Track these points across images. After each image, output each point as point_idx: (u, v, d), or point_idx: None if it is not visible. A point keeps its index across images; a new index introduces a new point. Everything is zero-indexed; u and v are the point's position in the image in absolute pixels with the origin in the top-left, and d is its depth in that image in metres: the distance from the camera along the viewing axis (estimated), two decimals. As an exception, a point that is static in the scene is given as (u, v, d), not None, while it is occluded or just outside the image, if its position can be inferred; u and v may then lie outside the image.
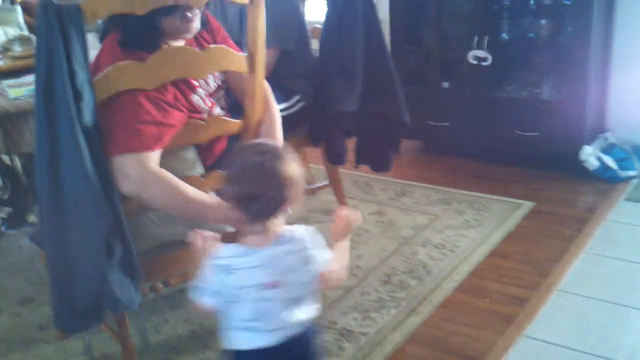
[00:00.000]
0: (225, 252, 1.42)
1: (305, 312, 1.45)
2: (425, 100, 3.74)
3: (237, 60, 1.82)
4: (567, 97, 3.35)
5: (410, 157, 3.85)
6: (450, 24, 3.70)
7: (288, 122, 2.32)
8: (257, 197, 1.37)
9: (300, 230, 1.45)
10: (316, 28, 3.04)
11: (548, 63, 3.41)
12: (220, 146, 2.12)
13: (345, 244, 1.52)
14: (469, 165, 3.64)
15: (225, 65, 1.82)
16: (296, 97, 2.75)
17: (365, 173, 3.28)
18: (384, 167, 3.06)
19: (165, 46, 1.76)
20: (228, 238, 1.59)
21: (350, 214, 1.54)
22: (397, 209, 3.20)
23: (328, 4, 2.70)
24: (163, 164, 1.84)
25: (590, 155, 3.31)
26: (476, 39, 3.42)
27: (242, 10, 2.67)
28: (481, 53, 3.42)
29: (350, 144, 2.94)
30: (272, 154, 1.40)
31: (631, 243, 2.76)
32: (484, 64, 3.44)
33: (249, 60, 1.84)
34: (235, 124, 1.91)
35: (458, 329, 2.26)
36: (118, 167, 1.64)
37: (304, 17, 2.82)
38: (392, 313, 2.35)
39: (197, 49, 1.74)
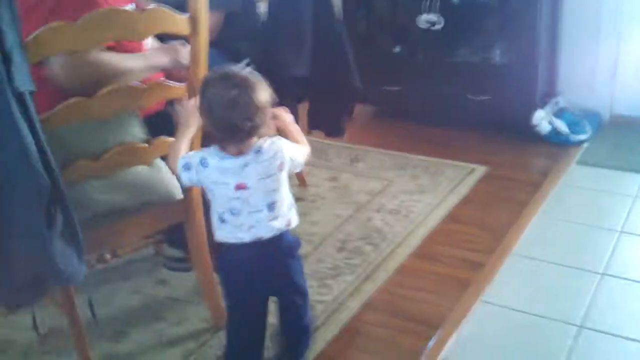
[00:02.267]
0: (209, 149, 1.60)
1: (280, 221, 1.63)
2: (378, 65, 3.68)
3: (178, 22, 1.72)
4: (518, 61, 3.34)
5: (363, 121, 3.79)
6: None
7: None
8: (232, 127, 1.51)
9: (270, 142, 1.60)
10: (265, -10, 2.94)
11: (499, 27, 3.40)
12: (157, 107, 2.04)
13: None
14: (423, 130, 3.61)
15: (165, 27, 1.72)
16: (245, 61, 2.65)
17: (318, 139, 3.21)
18: (337, 132, 3.02)
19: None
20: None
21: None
22: (351, 174, 3.15)
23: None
24: (105, 132, 1.75)
25: (542, 120, 3.32)
26: (427, 2, 3.37)
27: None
28: (432, 17, 3.38)
29: (303, 109, 2.88)
30: (243, 85, 1.51)
31: (582, 206, 2.78)
32: (435, 28, 3.39)
33: (191, 22, 1.74)
34: (178, 89, 1.81)
35: (414, 294, 2.24)
36: None
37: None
38: (348, 280, 2.31)
39: (133, 10, 1.63)
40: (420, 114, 3.66)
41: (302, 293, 1.74)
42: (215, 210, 1.64)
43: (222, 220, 1.63)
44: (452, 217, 2.73)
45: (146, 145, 1.80)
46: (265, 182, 1.59)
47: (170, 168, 1.73)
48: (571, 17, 3.48)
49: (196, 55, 1.80)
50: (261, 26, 2.69)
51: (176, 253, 2.26)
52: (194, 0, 1.73)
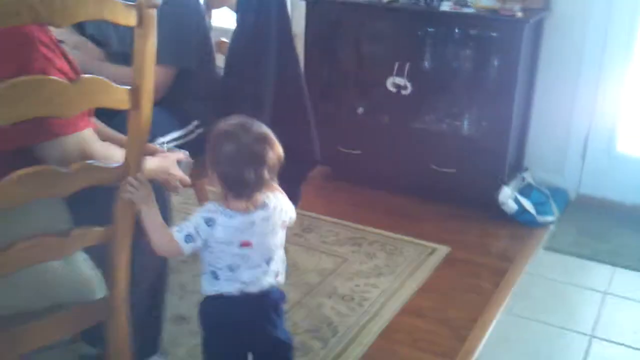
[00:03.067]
0: (211, 207, 1.55)
1: (272, 276, 1.64)
2: (337, 123, 3.45)
3: (117, 95, 1.43)
4: (488, 133, 3.15)
5: (318, 184, 3.53)
6: (370, 45, 3.41)
7: (186, 150, 1.98)
8: (247, 181, 1.50)
9: (273, 198, 1.62)
10: (223, 42, 2.67)
11: (470, 96, 3.20)
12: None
13: None
14: (382, 198, 3.37)
15: (102, 101, 1.42)
16: (194, 123, 2.37)
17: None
18: (291, 200, 2.74)
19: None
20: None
21: None
22: (301, 247, 2.87)
23: (237, 19, 2.34)
24: (11, 218, 1.44)
25: (508, 198, 3.11)
26: (397, 65, 3.15)
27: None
28: (401, 80, 3.16)
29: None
30: (265, 139, 1.53)
31: (549, 302, 2.56)
32: (403, 92, 3.18)
33: (133, 94, 1.45)
34: (111, 171, 1.51)
35: (366, 408, 1.97)
36: None
37: (208, 31, 2.44)
38: (291, 386, 2.02)
39: (63, 80, 1.33)
40: (380, 180, 3.42)
41: (287, 346, 1.72)
42: (210, 266, 1.60)
43: (216, 277, 1.59)
44: (411, 309, 2.47)
45: (63, 238, 1.49)
46: (269, 238, 1.60)
47: (158, 249, 1.58)
48: (543, 89, 3.31)
49: (136, 133, 1.51)
50: (217, 84, 2.42)
51: (91, 351, 1.93)
52: (139, 68, 1.44)
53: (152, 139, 2.14)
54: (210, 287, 1.62)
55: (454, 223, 3.14)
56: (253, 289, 1.60)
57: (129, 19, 1.38)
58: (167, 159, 1.80)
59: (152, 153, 1.80)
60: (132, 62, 1.45)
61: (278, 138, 2.40)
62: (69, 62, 1.50)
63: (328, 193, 3.46)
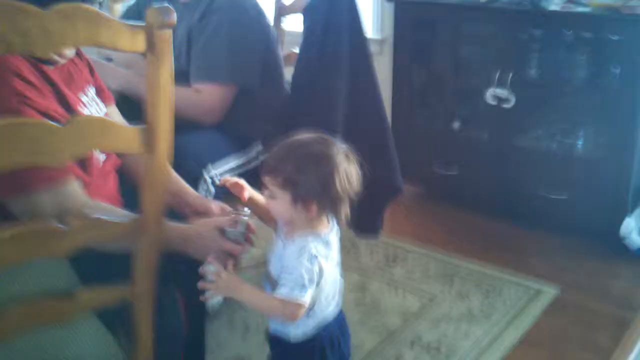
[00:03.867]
0: (308, 241, 1.35)
1: None
2: (431, 139, 3.10)
3: (123, 136, 1.17)
4: (608, 153, 2.67)
5: (408, 206, 3.18)
6: (467, 51, 3.03)
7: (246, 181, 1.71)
8: (338, 199, 1.35)
9: None
10: (293, 54, 2.39)
11: (585, 110, 2.73)
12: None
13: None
14: (480, 226, 2.97)
15: (103, 145, 1.18)
16: (257, 148, 2.10)
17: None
18: (369, 232, 2.43)
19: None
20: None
21: None
22: (384, 283, 2.54)
23: (304, 31, 2.05)
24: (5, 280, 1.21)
25: (632, 231, 2.64)
26: (497, 73, 2.75)
27: (190, 32, 2.03)
28: (502, 92, 2.75)
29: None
30: (345, 153, 1.38)
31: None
32: (505, 105, 2.77)
33: (145, 135, 1.19)
34: (119, 226, 1.25)
35: None
36: None
37: (274, 41, 2.16)
38: None
39: (51, 124, 1.08)
40: (479, 205, 3.02)
41: None
42: (321, 301, 1.40)
43: (308, 315, 1.40)
44: (508, 367, 2.08)
45: (65, 300, 1.25)
46: None
47: (281, 320, 1.40)
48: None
49: (151, 180, 1.24)
50: (284, 102, 2.14)
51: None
52: (152, 103, 1.18)
53: (203, 165, 1.89)
54: (301, 330, 1.42)
55: (565, 259, 2.70)
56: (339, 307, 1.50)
57: (135, 44, 1.11)
58: (205, 225, 1.43)
59: (199, 208, 1.52)
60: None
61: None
62: (66, 102, 1.26)
63: (419, 217, 3.10)
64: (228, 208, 1.48)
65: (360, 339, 2.18)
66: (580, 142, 2.75)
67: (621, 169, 2.63)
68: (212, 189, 1.87)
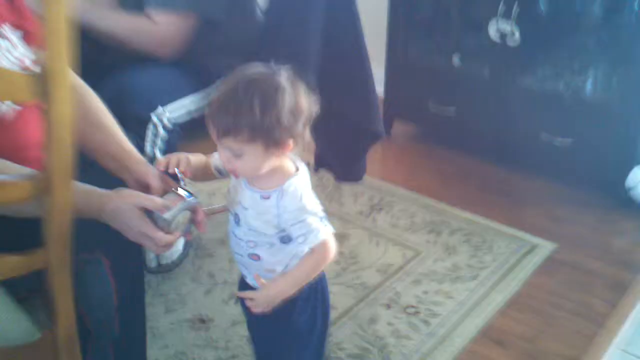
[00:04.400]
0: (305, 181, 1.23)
1: None
2: (428, 76, 2.84)
3: (12, 83, 0.95)
4: (620, 96, 2.41)
5: (400, 145, 2.96)
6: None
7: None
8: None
9: None
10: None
11: (598, 48, 2.45)
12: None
13: None
14: (476, 170, 2.75)
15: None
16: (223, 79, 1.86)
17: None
18: (349, 176, 2.22)
19: None
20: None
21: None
22: (366, 232, 2.35)
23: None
24: None
25: (639, 182, 2.41)
26: (502, 4, 2.46)
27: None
28: (506, 26, 2.47)
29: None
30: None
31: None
32: (510, 41, 2.49)
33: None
34: (18, 188, 1.05)
35: None
36: None
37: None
38: None
39: None
40: (476, 147, 2.80)
41: None
42: None
43: None
44: (492, 333, 1.90)
45: None
46: None
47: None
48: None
49: (48, 135, 1.03)
50: (253, 34, 1.89)
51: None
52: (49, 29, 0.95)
53: (152, 107, 1.67)
54: None
55: (565, 210, 2.49)
56: None
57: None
58: (126, 200, 1.19)
59: (140, 178, 1.30)
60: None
61: (326, 105, 1.88)
62: None
63: (410, 159, 2.88)
64: (171, 187, 1.25)
65: (335, 296, 2.00)
66: (589, 84, 2.47)
67: (632, 114, 2.38)
68: (163, 133, 1.66)
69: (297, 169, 1.22)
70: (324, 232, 1.19)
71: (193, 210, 1.23)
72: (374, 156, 2.14)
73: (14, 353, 1.22)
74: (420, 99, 2.85)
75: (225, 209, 1.35)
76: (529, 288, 2.09)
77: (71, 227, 1.12)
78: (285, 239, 1.22)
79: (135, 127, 1.60)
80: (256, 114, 1.10)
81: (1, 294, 1.17)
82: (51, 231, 1.11)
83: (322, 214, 1.21)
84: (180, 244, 2.06)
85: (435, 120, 2.85)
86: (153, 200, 1.18)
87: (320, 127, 2.07)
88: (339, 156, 2.13)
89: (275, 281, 1.21)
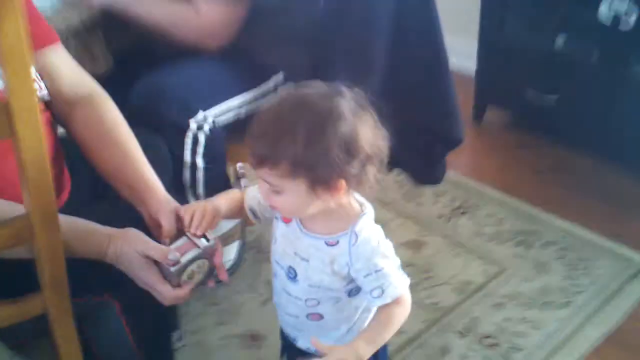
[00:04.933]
0: (364, 224, 1.01)
1: None
2: (527, 59, 2.50)
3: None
4: None
5: (491, 135, 2.65)
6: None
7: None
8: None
9: None
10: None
11: None
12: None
13: None
14: (576, 167, 2.41)
15: None
16: (276, 79, 1.65)
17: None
18: (426, 179, 1.97)
19: None
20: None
21: None
22: (445, 241, 2.09)
23: None
24: None
25: None
26: (619, -21, 2.09)
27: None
28: (622, 6, 2.09)
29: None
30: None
31: None
32: (624, 22, 2.12)
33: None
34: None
35: None
36: None
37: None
38: None
39: None
40: (578, 144, 2.45)
41: None
42: None
43: None
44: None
45: None
46: None
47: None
48: None
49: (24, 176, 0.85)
50: (314, 23, 1.65)
51: None
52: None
53: (192, 112, 1.47)
54: None
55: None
56: None
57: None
58: (129, 244, 1.02)
59: (153, 215, 1.12)
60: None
61: (393, 108, 1.63)
62: None
63: (502, 150, 2.56)
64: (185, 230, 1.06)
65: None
66: None
67: None
68: (204, 140, 1.46)
69: (364, 207, 1.01)
70: (403, 284, 1.00)
71: (210, 255, 1.04)
72: (461, 146, 1.86)
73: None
74: (516, 83, 2.52)
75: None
76: (633, 321, 1.77)
77: (66, 271, 0.97)
78: (354, 291, 1.03)
79: (172, 134, 1.42)
80: (298, 144, 0.89)
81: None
82: (43, 276, 0.96)
83: (398, 261, 1.01)
84: (233, 252, 1.88)
85: (533, 109, 2.51)
86: (159, 250, 1.00)
87: (391, 127, 1.84)
88: (413, 159, 1.88)
89: (349, 345, 0.98)
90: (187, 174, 1.49)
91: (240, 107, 1.55)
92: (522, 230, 2.11)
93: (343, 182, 0.94)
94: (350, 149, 0.92)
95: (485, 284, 1.91)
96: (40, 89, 1.13)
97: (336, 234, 1.00)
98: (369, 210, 1.02)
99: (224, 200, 1.10)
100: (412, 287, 1.86)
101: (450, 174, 2.19)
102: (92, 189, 1.25)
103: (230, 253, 1.86)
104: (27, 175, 0.83)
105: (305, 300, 1.04)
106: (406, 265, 1.93)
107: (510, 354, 1.68)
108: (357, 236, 0.99)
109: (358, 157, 0.93)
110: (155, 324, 1.24)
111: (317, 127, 0.90)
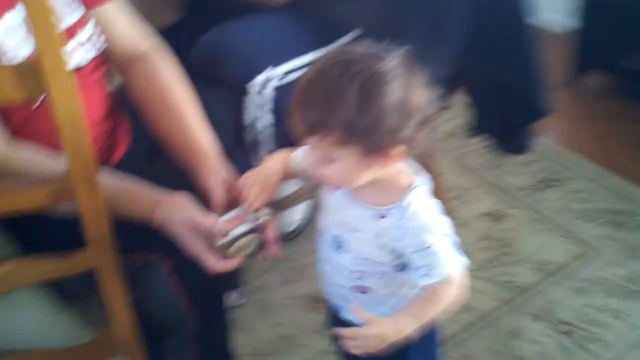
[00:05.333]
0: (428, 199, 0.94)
1: None
2: (634, 15, 2.26)
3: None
4: None
5: (590, 101, 2.45)
6: None
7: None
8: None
9: None
10: None
11: None
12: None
13: None
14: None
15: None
16: (353, 34, 1.55)
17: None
18: (509, 148, 1.85)
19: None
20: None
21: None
22: (528, 214, 1.96)
23: None
24: None
25: None
26: None
27: None
28: None
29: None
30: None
31: None
32: None
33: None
34: (35, 196, 0.86)
35: None
36: None
37: None
38: None
39: None
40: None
41: None
42: None
43: None
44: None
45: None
46: None
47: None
48: None
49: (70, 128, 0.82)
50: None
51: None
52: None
53: (257, 71, 1.40)
54: None
55: None
56: None
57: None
58: (177, 214, 0.99)
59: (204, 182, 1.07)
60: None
61: (473, 71, 1.53)
62: None
63: (600, 121, 2.36)
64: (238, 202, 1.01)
65: (475, 294, 1.67)
66: None
67: None
68: (267, 102, 1.39)
69: (417, 179, 0.94)
70: (454, 263, 0.92)
71: (262, 229, 0.98)
72: (554, 113, 1.71)
73: (67, 352, 1.09)
74: (624, 45, 2.31)
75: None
76: None
77: (111, 230, 0.95)
78: (401, 267, 0.96)
79: (236, 91, 1.36)
80: (352, 109, 0.82)
81: (42, 298, 1.03)
82: (88, 234, 0.93)
83: (452, 237, 0.93)
84: (299, 212, 1.83)
85: (636, 72, 2.30)
86: (207, 220, 0.96)
87: (474, 90, 1.71)
88: (495, 126, 1.75)
89: (392, 318, 0.93)
90: (250, 133, 1.44)
91: (306, 68, 1.46)
92: (613, 209, 1.95)
93: (398, 148, 0.86)
94: (404, 111, 0.85)
95: (567, 264, 1.78)
96: (97, 44, 1.10)
97: (386, 206, 0.93)
98: (423, 182, 0.94)
99: (280, 163, 1.04)
100: (487, 263, 1.79)
101: (540, 142, 2.05)
102: (153, 144, 1.21)
103: (295, 214, 1.81)
104: (63, 135, 0.80)
105: (351, 272, 0.99)
106: (483, 238, 1.87)
107: (587, 344, 1.56)
108: (406, 210, 0.91)
109: (412, 120, 0.86)
110: (207, 285, 1.20)
111: (369, 90, 0.83)
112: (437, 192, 1.80)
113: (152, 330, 1.23)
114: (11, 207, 0.86)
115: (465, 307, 1.62)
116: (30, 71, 0.73)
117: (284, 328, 1.63)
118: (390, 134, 0.84)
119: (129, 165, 1.14)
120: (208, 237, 0.96)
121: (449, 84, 1.57)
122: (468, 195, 2.03)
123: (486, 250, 1.83)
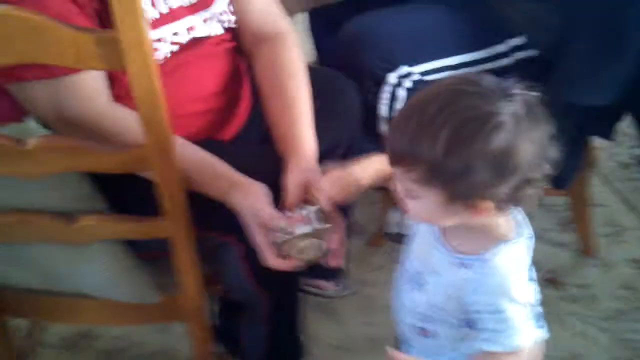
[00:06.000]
0: (509, 257, 0.83)
1: None
2: None
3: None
4: None
5: None
6: None
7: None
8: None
9: None
10: None
11: None
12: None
13: None
14: None
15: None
16: (512, 42, 1.42)
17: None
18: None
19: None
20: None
21: None
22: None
23: None
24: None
25: None
26: None
27: None
28: None
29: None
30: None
31: None
32: None
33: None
34: (110, 159, 0.89)
35: None
36: None
37: None
38: None
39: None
40: None
41: None
42: None
43: None
44: None
45: (63, 222, 0.98)
46: None
47: None
48: None
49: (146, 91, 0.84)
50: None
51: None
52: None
53: (394, 66, 1.34)
54: None
55: None
56: None
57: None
58: (250, 207, 0.98)
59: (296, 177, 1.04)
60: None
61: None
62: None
63: None
64: (306, 202, 0.99)
65: (589, 345, 1.51)
66: None
67: None
68: (404, 94, 1.31)
69: (513, 234, 0.84)
70: (528, 335, 0.82)
71: (325, 237, 0.95)
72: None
73: (135, 307, 1.15)
74: None
75: None
76: None
77: (186, 203, 0.98)
78: (468, 323, 0.88)
79: (369, 85, 1.32)
80: (438, 149, 0.75)
81: (118, 253, 1.08)
82: (163, 204, 0.96)
83: (532, 307, 0.83)
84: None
85: None
86: (268, 215, 0.95)
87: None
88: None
89: None
90: (383, 126, 1.39)
91: (457, 68, 1.37)
92: None
93: (488, 203, 0.77)
94: (501, 167, 0.75)
95: None
96: (226, 22, 1.13)
97: (470, 255, 0.84)
98: (522, 239, 0.84)
99: (376, 166, 0.98)
100: (616, 313, 1.59)
101: None
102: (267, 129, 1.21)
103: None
104: (139, 109, 0.82)
105: (418, 313, 0.91)
106: (623, 287, 1.66)
107: None
108: (487, 263, 0.82)
109: (510, 178, 0.75)
110: (277, 273, 1.19)
111: (464, 134, 0.74)
112: (586, 226, 1.64)
113: (229, 303, 1.26)
114: (96, 167, 0.91)
115: (573, 354, 1.48)
116: (110, 43, 0.75)
117: (375, 329, 1.59)
118: (480, 186, 0.75)
119: (238, 145, 1.16)
120: (269, 231, 0.95)
121: (613, 112, 1.41)
122: (623, 235, 1.82)
123: (621, 300, 1.63)
